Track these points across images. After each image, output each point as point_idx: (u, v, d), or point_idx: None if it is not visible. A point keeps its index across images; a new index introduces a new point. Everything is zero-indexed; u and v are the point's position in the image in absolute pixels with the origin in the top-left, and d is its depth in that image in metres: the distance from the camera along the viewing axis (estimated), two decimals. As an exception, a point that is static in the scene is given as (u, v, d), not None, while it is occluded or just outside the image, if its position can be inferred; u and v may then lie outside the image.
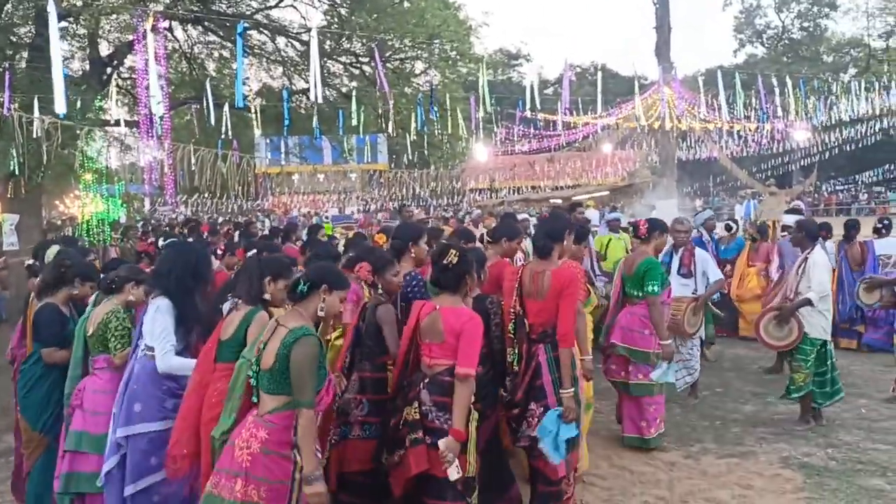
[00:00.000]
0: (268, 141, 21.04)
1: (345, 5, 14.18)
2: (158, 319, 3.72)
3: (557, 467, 3.83)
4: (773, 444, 5.51)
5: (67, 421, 4.11)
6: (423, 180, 25.19)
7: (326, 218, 23.24)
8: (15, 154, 9.91)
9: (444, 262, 3.61)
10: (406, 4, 14.54)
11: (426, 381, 3.58)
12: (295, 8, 14.33)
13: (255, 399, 3.05)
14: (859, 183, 34.94)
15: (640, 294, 5.32)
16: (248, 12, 13.66)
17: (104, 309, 4.12)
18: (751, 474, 4.96)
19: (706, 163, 28.74)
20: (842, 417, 6.09)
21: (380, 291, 4.24)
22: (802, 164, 29.48)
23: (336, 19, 14.24)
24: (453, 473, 3.34)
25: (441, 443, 3.37)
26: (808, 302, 5.62)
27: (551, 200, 26.34)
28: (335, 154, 20.09)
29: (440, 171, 25.56)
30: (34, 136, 9.33)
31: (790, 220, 7.77)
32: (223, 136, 12.53)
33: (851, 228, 8.95)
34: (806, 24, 46.45)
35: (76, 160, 11.48)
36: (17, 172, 10.54)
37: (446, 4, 16.58)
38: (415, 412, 3.53)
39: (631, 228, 5.65)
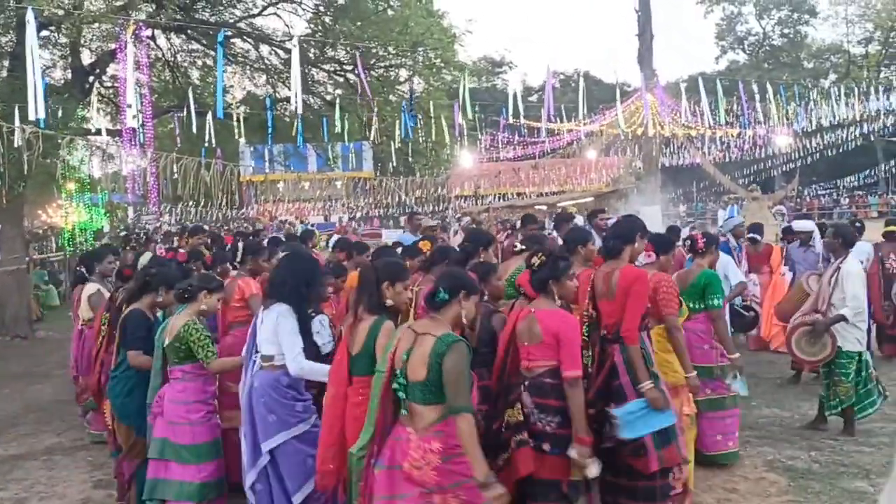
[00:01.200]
0: (252, 149, 20.98)
1: (328, 13, 14.19)
2: (284, 324, 3.79)
3: (649, 461, 3.73)
4: (758, 448, 5.54)
5: (150, 428, 4.24)
6: (409, 188, 25.20)
7: (311, 226, 23.14)
8: (-5, 164, 9.81)
9: (531, 263, 3.66)
10: (390, 13, 14.57)
11: (526, 383, 3.60)
12: (278, 16, 14.34)
13: (403, 412, 3.00)
14: (840, 187, 35.40)
15: (698, 308, 5.10)
16: (232, 20, 13.64)
17: (180, 320, 4.16)
18: (735, 478, 4.99)
19: (689, 169, 28.96)
20: (825, 420, 6.14)
21: (485, 299, 4.18)
22: (784, 169, 29.82)
23: (320, 27, 14.25)
24: (593, 471, 3.41)
25: (572, 453, 3.40)
26: (843, 318, 5.52)
27: (536, 207, 26.39)
28: (320, 162, 20.06)
29: (425, 178, 25.60)
30: (15, 145, 9.24)
31: (804, 226, 7.59)
32: (207, 145, 12.48)
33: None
34: (786, 31, 47.01)
35: (58, 169, 11.37)
36: (-2, 182, 10.44)
37: (430, 12, 16.65)
38: (518, 414, 3.55)
39: (688, 243, 5.46)
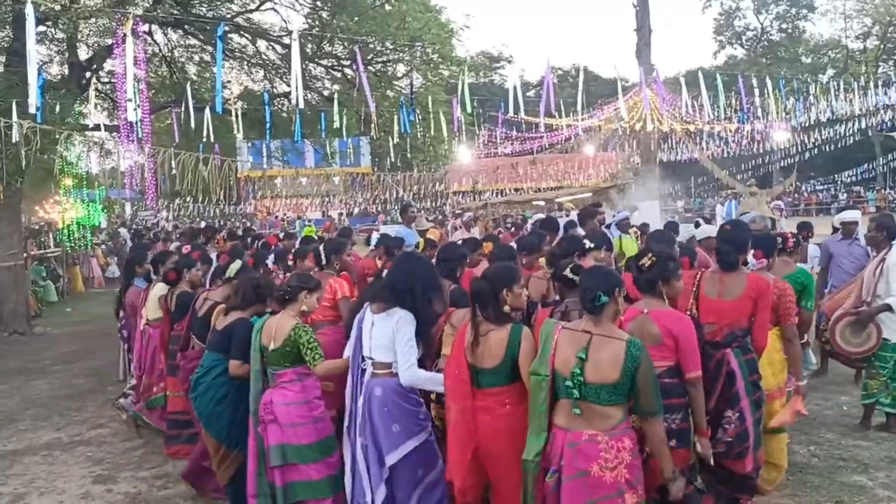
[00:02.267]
0: (250, 144, 20.94)
1: (326, 8, 14.15)
2: (405, 331, 3.65)
3: (746, 462, 3.85)
4: (757, 442, 5.55)
5: (260, 437, 4.10)
6: (406, 183, 25.19)
7: (308, 221, 23.14)
8: (-7, 159, 9.78)
9: (640, 264, 3.62)
10: (387, 7, 14.55)
11: None
12: (276, 11, 14.30)
13: (577, 411, 2.97)
14: (838, 183, 35.44)
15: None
16: (229, 15, 13.59)
17: (285, 322, 4.07)
18: (734, 472, 4.99)
19: (688, 164, 28.99)
20: (823, 415, 6.15)
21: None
22: (782, 164, 29.85)
23: (317, 22, 14.22)
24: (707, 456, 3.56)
25: (698, 447, 3.51)
26: (888, 308, 5.47)
27: (534, 202, 26.41)
28: (317, 158, 20.03)
29: (423, 173, 25.58)
30: (13, 140, 9.21)
31: (850, 216, 7.33)
32: (204, 140, 12.45)
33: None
34: (784, 26, 47.03)
35: (56, 165, 11.34)
36: (-5, 178, 10.40)
37: (427, 8, 16.64)
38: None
39: (779, 241, 5.13)
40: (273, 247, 8.40)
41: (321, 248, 5.54)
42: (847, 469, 4.97)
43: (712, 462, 3.57)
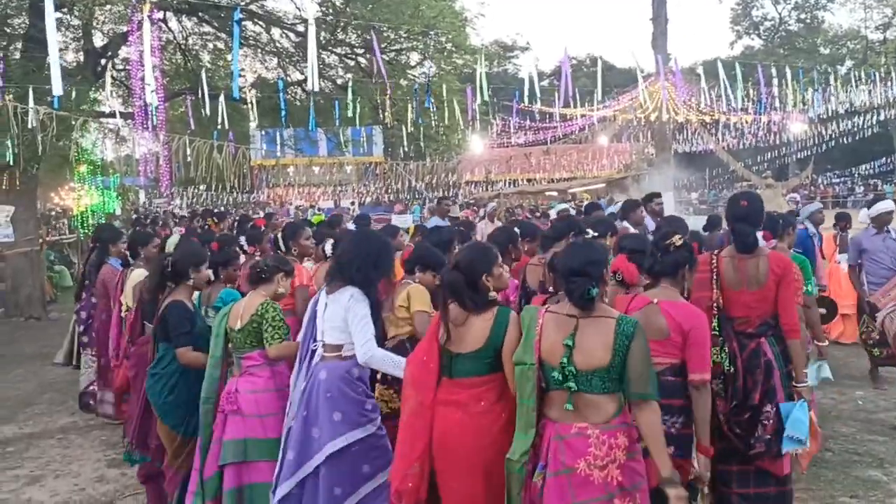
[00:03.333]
0: (263, 133, 20.99)
1: (340, -4, 14.11)
2: (356, 308, 3.37)
3: (783, 463, 3.51)
4: (770, 435, 5.52)
5: (207, 430, 3.75)
6: (419, 172, 25.16)
7: (320, 210, 23.18)
8: (10, 145, 9.85)
9: (667, 243, 3.29)
10: (401, -5, 14.47)
11: None
12: (291, -1, 14.27)
13: (569, 407, 2.62)
14: (855, 175, 35.05)
15: None
16: (243, 2, 13.58)
17: (253, 301, 3.78)
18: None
19: (702, 155, 28.76)
20: (839, 409, 6.10)
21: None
22: (799, 156, 29.55)
23: (331, 10, 14.18)
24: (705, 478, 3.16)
25: (695, 463, 3.12)
26: None
27: (547, 193, 26.33)
28: (330, 146, 20.04)
29: (436, 163, 25.54)
30: (29, 126, 9.28)
31: (885, 206, 7.11)
32: (219, 127, 12.48)
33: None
34: (803, 16, 46.42)
35: (71, 152, 11.42)
36: (12, 163, 10.49)
37: (441, -4, 16.50)
38: None
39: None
40: (261, 229, 8.16)
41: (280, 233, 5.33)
42: (862, 464, 4.93)
43: (705, 488, 3.22)
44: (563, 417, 2.65)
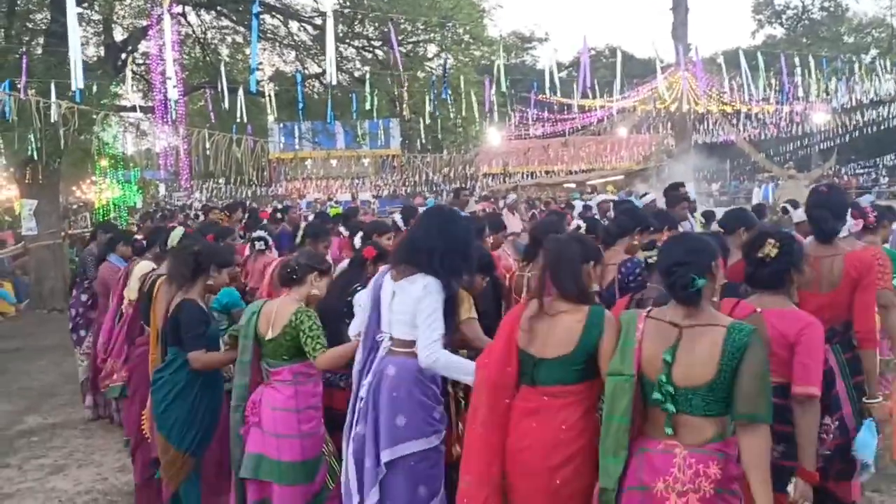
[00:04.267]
0: (281, 126, 21.06)
1: (358, -11, 14.10)
2: (428, 301, 2.90)
3: (852, 488, 3.19)
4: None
5: (238, 440, 3.50)
6: (436, 165, 25.12)
7: (337, 202, 23.23)
8: (33, 139, 9.98)
9: (760, 255, 2.83)
10: (419, -13, 14.42)
11: None
12: (308, -8, 14.30)
13: (668, 431, 2.29)
14: (879, 166, 34.46)
15: None
16: (262, -4, 13.62)
17: (286, 307, 3.43)
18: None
19: (722, 146, 28.42)
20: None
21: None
22: (822, 147, 29.12)
23: (348, 3, 14.18)
24: None
25: (790, 489, 2.68)
26: None
27: (565, 185, 26.19)
28: (348, 139, 20.06)
29: (453, 155, 25.47)
30: (52, 120, 9.38)
31: None
32: (238, 121, 12.55)
33: None
34: (826, 4, 45.63)
35: (92, 146, 11.54)
36: (35, 157, 10.62)
37: (459, -13, 16.42)
38: None
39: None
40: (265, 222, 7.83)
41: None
42: (885, 458, 4.86)
43: None
44: (657, 435, 2.35)
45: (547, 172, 29.36)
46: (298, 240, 5.17)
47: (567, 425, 2.55)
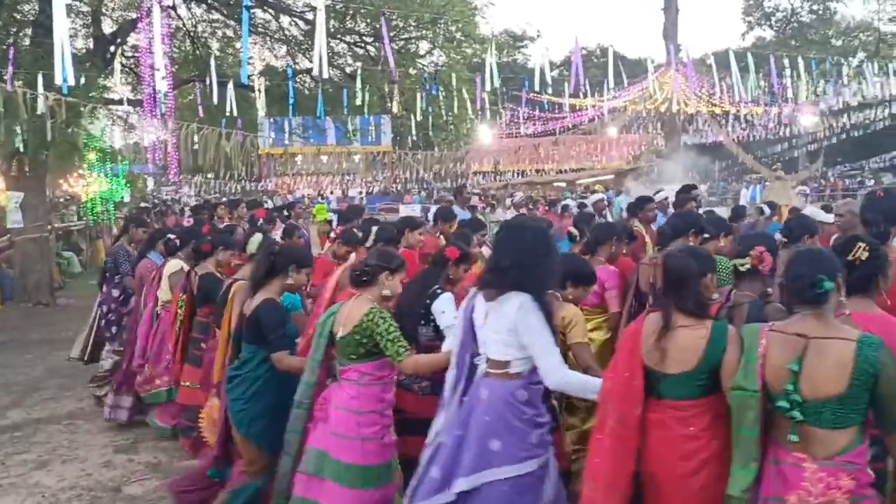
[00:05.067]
0: (271, 121, 20.98)
1: (350, -16, 14.05)
2: (530, 320, 2.82)
3: None
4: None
5: (297, 437, 3.44)
6: (427, 162, 25.11)
7: (323, 198, 23.17)
8: (20, 131, 9.87)
9: (851, 258, 2.77)
10: (411, -17, 14.39)
11: None
12: (300, -14, 14.21)
13: (793, 438, 2.30)
14: (865, 169, 34.78)
15: None
16: (253, -10, 13.54)
17: (359, 307, 3.34)
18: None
19: (711, 147, 28.59)
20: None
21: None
22: (809, 149, 29.35)
23: (341, -1, 14.13)
24: None
25: None
26: None
27: (555, 184, 26.26)
28: (338, 135, 20.00)
29: (444, 153, 25.46)
30: (38, 112, 9.28)
31: None
32: (227, 115, 12.47)
33: None
34: (815, 7, 45.93)
35: (80, 138, 11.43)
36: (21, 150, 10.51)
37: (452, -16, 16.40)
38: None
39: None
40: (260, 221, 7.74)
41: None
42: None
43: None
44: (787, 446, 2.35)
45: (538, 171, 29.44)
46: (370, 241, 5.06)
47: (697, 434, 2.58)
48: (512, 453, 2.82)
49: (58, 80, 7.04)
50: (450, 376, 3.10)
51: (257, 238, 4.58)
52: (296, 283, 3.92)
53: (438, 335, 3.78)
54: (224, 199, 18.13)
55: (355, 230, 5.78)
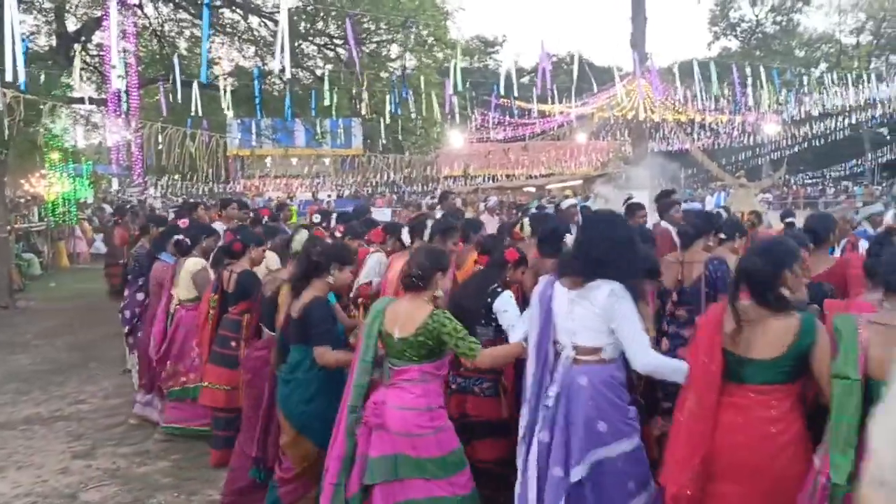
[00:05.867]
0: (239, 121, 20.77)
1: (320, -15, 13.99)
2: (621, 307, 2.95)
3: None
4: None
5: (352, 441, 3.36)
6: (398, 166, 25.08)
7: (290, 200, 22.97)
8: (-24, 129, 9.62)
9: None
10: (382, -14, 14.38)
11: None
12: (269, -14, 14.11)
13: None
14: (827, 177, 35.63)
15: None
16: (220, -11, 13.40)
17: (419, 310, 3.32)
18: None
19: (678, 154, 29.05)
20: None
21: None
22: (772, 157, 29.98)
23: (311, 0, 14.06)
24: None
25: None
26: None
27: (525, 189, 26.40)
28: (308, 137, 19.88)
29: (414, 156, 25.48)
30: (-4, 110, 9.07)
31: None
32: (193, 114, 12.31)
33: None
34: (779, 19, 46.99)
35: (40, 137, 11.18)
36: (-22, 148, 10.26)
37: (423, -12, 16.45)
38: None
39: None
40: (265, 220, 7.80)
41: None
42: None
43: None
44: None
45: (508, 176, 29.56)
46: (427, 237, 4.96)
47: (776, 418, 2.67)
48: (619, 430, 2.98)
49: (8, 77, 6.86)
50: (530, 367, 3.19)
51: (302, 235, 4.51)
52: (337, 282, 3.90)
53: (498, 334, 3.83)
54: (202, 200, 17.89)
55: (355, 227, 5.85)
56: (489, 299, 3.86)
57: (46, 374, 7.70)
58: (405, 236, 5.09)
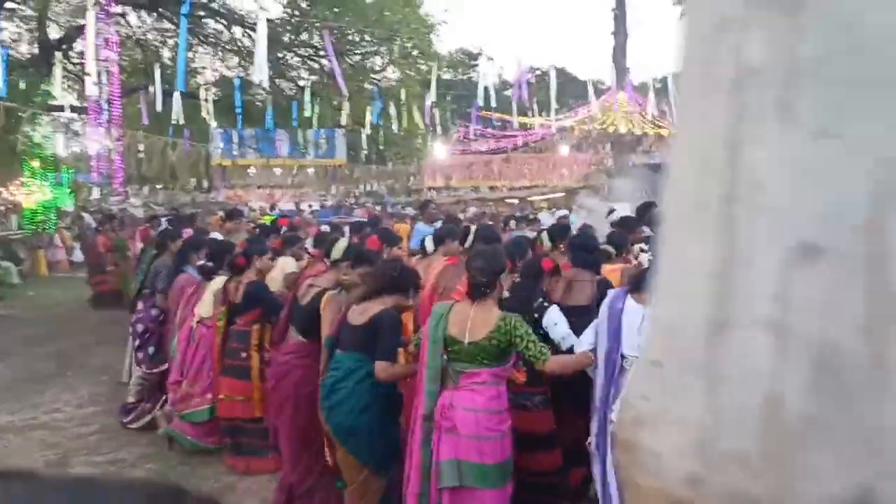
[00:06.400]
0: (222, 131, 20.78)
1: (304, -2, 14.12)
2: None
3: None
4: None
5: (428, 448, 3.30)
6: (381, 177, 25.16)
7: (273, 210, 22.94)
8: (-46, 137, 9.60)
9: None
10: (367, 0, 14.52)
11: None
12: (253, -2, 14.20)
13: None
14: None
15: None
16: (205, 0, 13.48)
17: (488, 313, 3.30)
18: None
19: (660, 166, 29.37)
20: None
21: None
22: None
23: (296, 11, 14.17)
24: None
25: None
26: None
27: (507, 200, 26.57)
28: (291, 147, 19.93)
29: (397, 167, 25.57)
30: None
31: None
32: (174, 123, 12.34)
33: None
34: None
35: (20, 144, 11.15)
36: (-44, 156, 10.21)
37: (407, 2, 16.61)
38: None
39: None
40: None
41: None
42: None
43: None
44: None
45: (491, 188, 29.71)
46: (469, 242, 4.94)
47: None
48: None
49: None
50: (599, 379, 3.25)
51: (343, 243, 4.48)
52: (412, 304, 3.92)
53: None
54: (189, 210, 17.78)
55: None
56: (536, 315, 3.84)
57: (24, 383, 7.63)
58: (428, 244, 5.14)
